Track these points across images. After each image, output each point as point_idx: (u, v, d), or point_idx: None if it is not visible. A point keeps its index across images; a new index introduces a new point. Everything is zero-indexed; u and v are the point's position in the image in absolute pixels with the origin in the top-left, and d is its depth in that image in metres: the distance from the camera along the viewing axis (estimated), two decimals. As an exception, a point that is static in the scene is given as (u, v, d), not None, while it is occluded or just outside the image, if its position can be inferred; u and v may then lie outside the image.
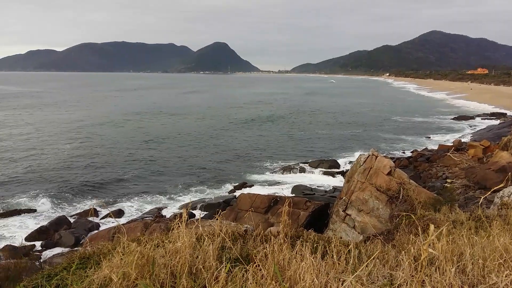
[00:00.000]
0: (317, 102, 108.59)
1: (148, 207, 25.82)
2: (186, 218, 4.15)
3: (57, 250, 19.82)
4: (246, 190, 27.51)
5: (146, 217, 22.61)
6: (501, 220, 9.07)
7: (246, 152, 41.74)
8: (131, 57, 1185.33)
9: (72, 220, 23.27)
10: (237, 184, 30.40)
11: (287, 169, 34.28)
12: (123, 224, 17.75)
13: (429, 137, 50.47)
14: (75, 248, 19.30)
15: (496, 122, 60.88)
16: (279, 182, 31.23)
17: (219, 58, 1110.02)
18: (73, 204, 26.11)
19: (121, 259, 3.76)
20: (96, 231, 21.13)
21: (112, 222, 22.82)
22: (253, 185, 30.20)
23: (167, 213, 24.66)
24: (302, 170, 34.33)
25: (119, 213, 24.36)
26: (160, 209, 25.18)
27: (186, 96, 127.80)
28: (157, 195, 28.16)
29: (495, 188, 8.39)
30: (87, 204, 26.24)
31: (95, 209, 24.04)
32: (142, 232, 11.55)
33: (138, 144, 45.14)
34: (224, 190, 29.45)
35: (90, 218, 23.25)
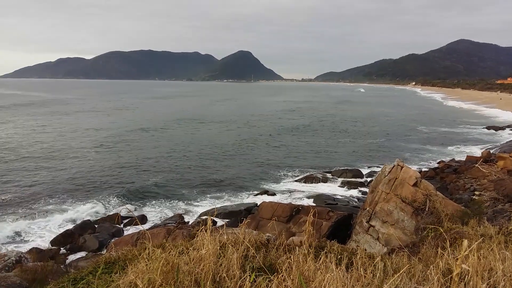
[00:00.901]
0: (346, 111, 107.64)
1: (170, 214, 26.07)
2: (210, 225, 4.18)
3: (82, 254, 20.22)
4: (267, 198, 27.43)
5: (168, 223, 22.82)
6: (534, 235, 8.73)
7: (269, 160, 41.72)
8: (157, 65, 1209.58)
9: (96, 224, 23.75)
10: (258, 192, 30.36)
11: (309, 178, 33.98)
12: (146, 230, 17.96)
13: (457, 148, 49.21)
14: (99, 252, 19.66)
15: (527, 133, 58.81)
16: (301, 191, 30.97)
17: (243, 67, 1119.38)
18: (98, 208, 26.63)
19: (147, 265, 3.81)
20: (119, 237, 21.45)
21: (135, 228, 23.15)
22: (274, 193, 30.08)
23: (190, 219, 24.83)
24: (325, 180, 33.95)
25: (143, 219, 24.69)
26: (182, 215, 25.37)
27: (214, 104, 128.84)
28: (179, 202, 28.41)
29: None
30: (111, 209, 26.72)
31: (119, 215, 24.44)
32: (165, 238, 11.67)
33: (163, 151, 45.79)
34: (245, 198, 29.44)
35: (119, 223, 23.69)
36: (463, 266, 2.96)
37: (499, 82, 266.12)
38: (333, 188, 32.11)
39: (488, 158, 32.50)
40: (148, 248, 4.09)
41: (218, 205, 27.41)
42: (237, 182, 33.26)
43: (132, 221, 24.21)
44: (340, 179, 34.10)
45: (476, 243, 3.51)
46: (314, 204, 26.27)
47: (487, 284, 3.76)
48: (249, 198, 29.18)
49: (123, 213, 24.75)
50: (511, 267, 4.34)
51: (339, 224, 18.41)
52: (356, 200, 28.78)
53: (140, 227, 22.52)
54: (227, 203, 27.93)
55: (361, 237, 15.03)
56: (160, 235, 13.86)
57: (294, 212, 20.01)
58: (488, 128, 68.70)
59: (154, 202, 28.27)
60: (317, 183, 33.32)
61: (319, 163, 40.68)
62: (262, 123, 75.50)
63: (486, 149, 42.39)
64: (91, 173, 35.19)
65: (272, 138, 56.88)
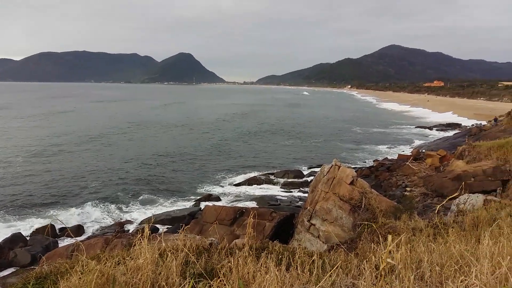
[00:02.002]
0: (297, 114, 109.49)
1: (110, 222, 25.01)
2: (148, 233, 4.06)
3: (12, 269, 18.76)
4: (211, 203, 27.26)
5: (107, 233, 21.86)
6: (458, 226, 9.48)
7: (213, 165, 41.50)
8: (93, 66, 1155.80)
9: (28, 237, 22.14)
10: (202, 196, 30.07)
11: (252, 181, 34.29)
12: (82, 241, 17.08)
13: (390, 147, 52.17)
14: (31, 267, 18.35)
15: (451, 132, 63.81)
16: (244, 194, 31.15)
17: (184, 69, 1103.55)
18: (29, 220, 24.86)
19: (80, 278, 3.62)
20: (53, 249, 20.17)
21: (71, 240, 21.90)
22: (218, 197, 29.97)
23: (130, 227, 23.98)
24: (268, 181, 34.45)
25: (79, 229, 23.40)
26: (122, 224, 24.43)
27: (158, 108, 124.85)
28: (119, 210, 27.33)
29: (451, 196, 8.77)
30: (45, 220, 25.05)
31: (52, 226, 22.97)
32: (102, 249, 11.16)
33: (102, 158, 43.79)
34: (189, 203, 29.03)
35: (48, 235, 22.19)
36: (388, 260, 3.14)
37: (426, 85, 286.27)
38: (275, 189, 32.65)
39: (417, 156, 34.76)
40: (82, 260, 3.89)
41: (161, 212, 26.75)
42: (181, 188, 32.69)
43: (71, 232, 22.87)
44: (282, 180, 34.75)
45: (402, 235, 3.75)
46: (258, 206, 26.50)
47: (416, 275, 4.01)
48: (193, 203, 28.79)
49: (56, 224, 23.28)
50: (438, 258, 4.65)
51: (282, 224, 18.74)
52: (298, 199, 29.46)
53: (74, 239, 21.32)
54: (171, 209, 27.35)
55: (302, 235, 15.42)
56: (97, 245, 13.23)
57: (238, 215, 20.05)
58: (417, 128, 73.71)
59: (92, 210, 26.90)
60: (261, 185, 33.69)
61: (262, 166, 41.19)
62: (207, 127, 74.94)
63: (415, 148, 45.42)
64: (23, 184, 32.76)
65: (218, 142, 56.61)
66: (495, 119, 55.46)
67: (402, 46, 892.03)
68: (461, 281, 3.45)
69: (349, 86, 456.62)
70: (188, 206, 28.06)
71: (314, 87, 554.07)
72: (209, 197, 29.55)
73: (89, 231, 23.59)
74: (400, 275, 3.75)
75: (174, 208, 27.60)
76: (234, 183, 34.32)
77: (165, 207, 28.12)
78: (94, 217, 25.89)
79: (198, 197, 29.86)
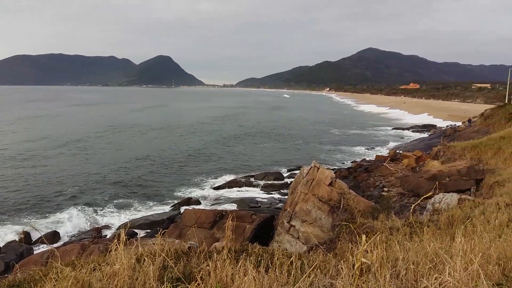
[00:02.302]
0: (279, 116, 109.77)
1: (87, 228, 24.48)
2: (124, 238, 3.99)
3: (-16, 278, 18.13)
4: (191, 206, 27.05)
5: (84, 239, 21.40)
6: (433, 225, 9.69)
7: (193, 168, 41.20)
8: (69, 69, 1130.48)
9: (1, 244, 21.46)
10: (181, 200, 29.79)
11: (232, 183, 34.21)
12: (57, 247, 16.67)
13: (367, 149, 52.94)
14: (5, 275, 17.78)
15: (427, 133, 65.30)
16: (225, 196, 31.05)
17: (163, 72, 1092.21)
18: (3, 227, 24.09)
19: (54, 285, 3.53)
20: (28, 256, 19.60)
21: (47, 246, 21.34)
22: (198, 200, 29.76)
23: (108, 233, 23.54)
24: (248, 183, 34.45)
25: (54, 236, 22.79)
26: (99, 229, 23.96)
27: (138, 111, 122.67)
28: (97, 215, 26.79)
29: (426, 195, 8.95)
30: (19, 227, 24.30)
31: (27, 232, 22.33)
32: (78, 255, 10.92)
33: (79, 163, 42.82)
34: (169, 207, 28.72)
35: (22, 243, 21.53)
36: (363, 259, 3.19)
37: (402, 87, 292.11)
38: (256, 192, 32.67)
39: (394, 157, 35.44)
40: (56, 267, 3.80)
41: (139, 216, 26.36)
42: (160, 192, 32.29)
43: (46, 238, 22.25)
44: (262, 182, 34.80)
45: (377, 235, 3.80)
46: (238, 209, 26.46)
47: (392, 273, 4.07)
48: (172, 207, 28.49)
49: (31, 230, 22.62)
50: (413, 256, 4.75)
51: (262, 226, 18.75)
52: (278, 201, 29.55)
53: (50, 245, 20.79)
54: (149, 213, 26.98)
55: (283, 237, 15.47)
56: (73, 251, 12.94)
57: (218, 218, 19.95)
58: (394, 129, 75.12)
59: (68, 216, 26.23)
60: (241, 187, 33.67)
61: (242, 168, 41.15)
62: (187, 130, 74.38)
63: (392, 149, 46.26)
64: (-6, 188, 31.76)
65: (198, 145, 56.21)
66: (469, 120, 56.98)
67: (379, 49, 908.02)
68: (435, 279, 3.53)
69: (328, 89, 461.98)
70: (167, 210, 27.75)
71: (294, 90, 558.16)
72: (188, 201, 29.30)
73: (65, 238, 23.04)
74: (376, 274, 3.81)
75: (153, 212, 27.24)
76: (214, 186, 34.15)
77: (143, 211, 27.71)
78: (70, 223, 25.25)
79: (178, 201, 29.56)
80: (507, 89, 71.97)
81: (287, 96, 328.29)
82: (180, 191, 32.68)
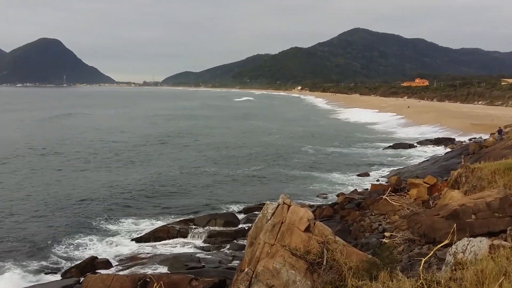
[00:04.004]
0: (209, 126, 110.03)
1: None
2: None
3: None
4: (98, 271, 26.53)
5: None
6: (456, 285, 10.03)
7: (97, 208, 40.12)
8: None
9: None
10: (81, 261, 28.96)
11: (161, 232, 33.80)
12: None
13: (357, 175, 53.93)
14: None
15: (442, 150, 67.58)
16: (149, 253, 30.66)
17: (49, 63, 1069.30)
18: None
19: None
20: None
21: None
22: (108, 261, 29.11)
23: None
24: (185, 232, 34.14)
25: None
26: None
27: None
28: None
29: (444, 242, 9.27)
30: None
31: None
32: None
33: None
34: (60, 272, 27.89)
35: None
36: None
37: (405, 84, 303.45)
38: (197, 244, 32.49)
39: (397, 186, 36.33)
40: None
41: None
42: (44, 249, 31.11)
43: None
44: (206, 230, 34.60)
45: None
46: (170, 271, 26.19)
47: None
48: (66, 273, 27.63)
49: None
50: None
51: (207, 297, 18.60)
52: (230, 258, 29.54)
53: None
54: (31, 284, 26.08)
55: (239, 313, 15.37)
56: None
57: (139, 286, 19.63)
58: (395, 146, 77.04)
59: None
60: (174, 238, 33.33)
61: (176, 208, 40.63)
62: (87, 152, 72.90)
63: (394, 175, 47.50)
64: None
65: (109, 174, 55.21)
66: (500, 131, 58.91)
67: (370, 30, 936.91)
68: None
69: (300, 88, 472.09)
70: (58, 278, 26.93)
71: (249, 89, 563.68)
72: (92, 263, 28.54)
73: None
74: None
75: (35, 282, 26.29)
76: (133, 237, 33.63)
77: (22, 279, 26.74)
78: None
79: (75, 263, 28.72)
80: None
81: (252, 98, 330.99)
82: (79, 247, 31.79)
